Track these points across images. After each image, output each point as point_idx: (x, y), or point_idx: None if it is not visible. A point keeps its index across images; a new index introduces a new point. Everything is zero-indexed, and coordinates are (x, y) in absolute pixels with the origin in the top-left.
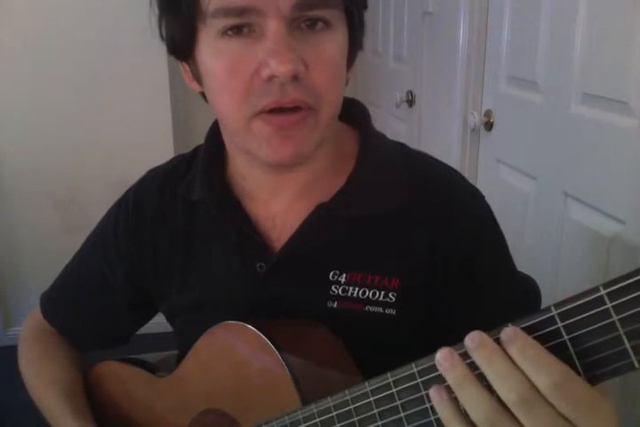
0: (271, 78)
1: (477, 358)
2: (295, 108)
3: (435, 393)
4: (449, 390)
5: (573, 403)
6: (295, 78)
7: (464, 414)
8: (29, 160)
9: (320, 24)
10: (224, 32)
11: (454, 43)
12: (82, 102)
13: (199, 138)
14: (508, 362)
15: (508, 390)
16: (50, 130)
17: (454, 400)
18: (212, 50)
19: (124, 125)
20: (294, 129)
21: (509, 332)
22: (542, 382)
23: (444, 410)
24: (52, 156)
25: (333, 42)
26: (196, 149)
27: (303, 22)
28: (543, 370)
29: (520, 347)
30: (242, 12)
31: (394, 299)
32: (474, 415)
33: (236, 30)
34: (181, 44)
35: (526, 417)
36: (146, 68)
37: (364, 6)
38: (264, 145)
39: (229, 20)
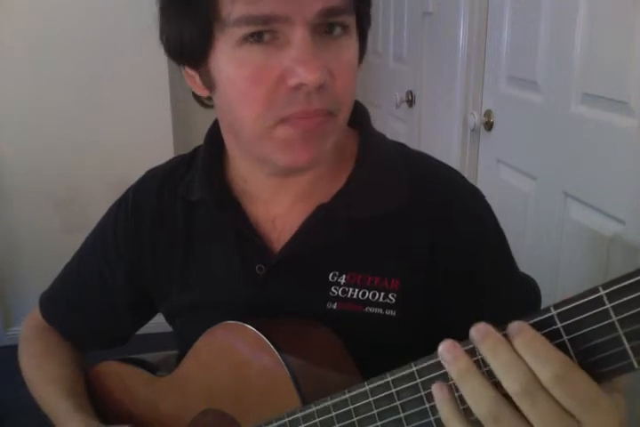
0: (299, 87)
1: (482, 348)
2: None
3: (437, 389)
4: (451, 388)
5: (577, 397)
6: (321, 87)
7: (464, 414)
8: (29, 160)
9: (338, 29)
10: (244, 39)
11: (454, 43)
12: (82, 102)
13: (199, 138)
14: (513, 353)
15: (512, 381)
16: (50, 130)
17: (455, 399)
18: (230, 58)
19: (124, 125)
20: (317, 131)
21: (515, 325)
22: (545, 374)
23: (443, 406)
24: (52, 156)
25: (350, 47)
26: (196, 150)
27: (322, 28)
28: (546, 363)
29: (525, 340)
30: (267, 20)
31: (394, 300)
32: (477, 409)
33: (257, 37)
34: (193, 51)
35: (529, 410)
36: (146, 68)
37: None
38: (281, 150)
39: (251, 28)
